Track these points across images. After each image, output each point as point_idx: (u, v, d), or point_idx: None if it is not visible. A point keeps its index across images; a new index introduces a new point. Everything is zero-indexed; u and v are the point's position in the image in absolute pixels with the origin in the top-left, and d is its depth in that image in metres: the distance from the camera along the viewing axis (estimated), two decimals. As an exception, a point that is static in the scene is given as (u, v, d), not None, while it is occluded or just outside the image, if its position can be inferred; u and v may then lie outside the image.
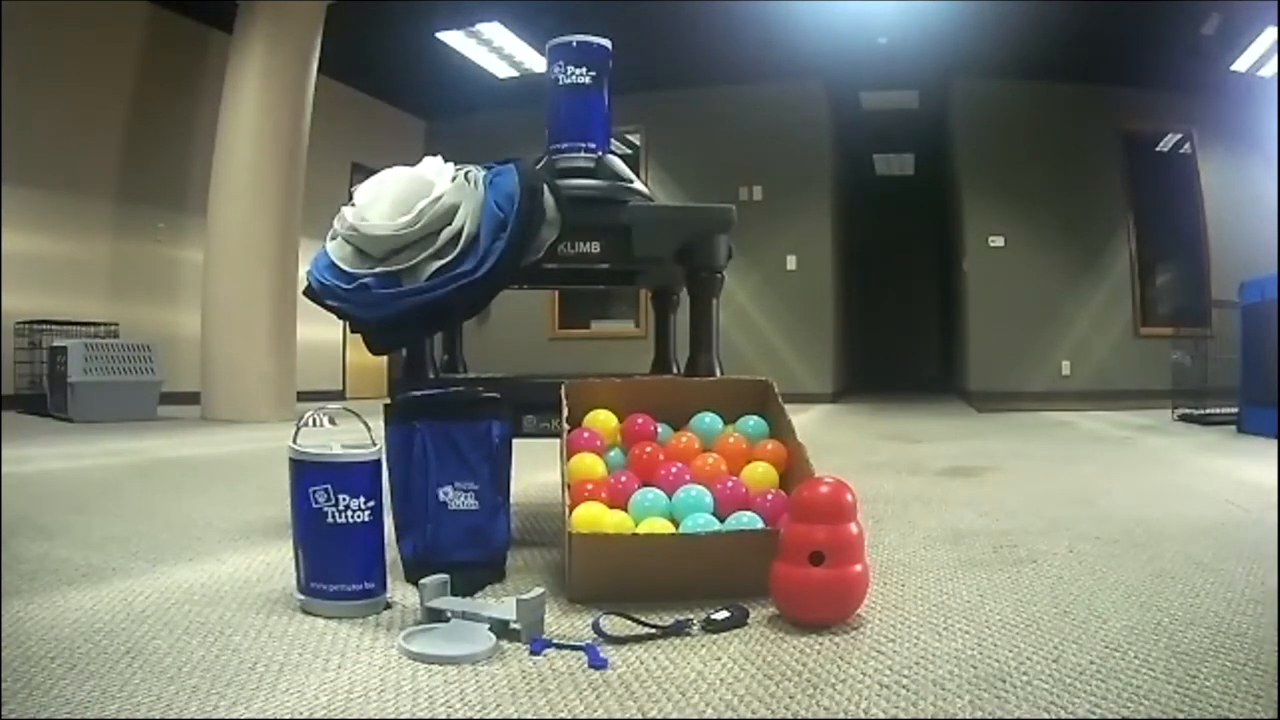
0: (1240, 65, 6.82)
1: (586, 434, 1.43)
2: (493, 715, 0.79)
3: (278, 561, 1.42)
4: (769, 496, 1.31)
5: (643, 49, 6.70)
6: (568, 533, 1.17)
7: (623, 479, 1.36)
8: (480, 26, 6.76)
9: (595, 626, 1.03)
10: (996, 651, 0.97)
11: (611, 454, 1.45)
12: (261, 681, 0.87)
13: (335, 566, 1.12)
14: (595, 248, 1.61)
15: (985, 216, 7.76)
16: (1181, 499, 2.17)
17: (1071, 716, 0.78)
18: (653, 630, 1.03)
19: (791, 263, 8.01)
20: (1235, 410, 4.40)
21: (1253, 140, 7.31)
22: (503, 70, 7.59)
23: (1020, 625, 1.07)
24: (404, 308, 1.36)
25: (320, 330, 6.68)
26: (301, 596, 1.14)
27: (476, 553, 1.27)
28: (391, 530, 1.26)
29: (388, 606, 1.16)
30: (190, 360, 5.60)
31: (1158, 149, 7.88)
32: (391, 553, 1.23)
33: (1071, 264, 7.60)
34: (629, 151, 8.37)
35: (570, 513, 1.24)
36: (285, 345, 5.38)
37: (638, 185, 1.68)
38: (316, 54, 5.56)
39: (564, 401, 1.44)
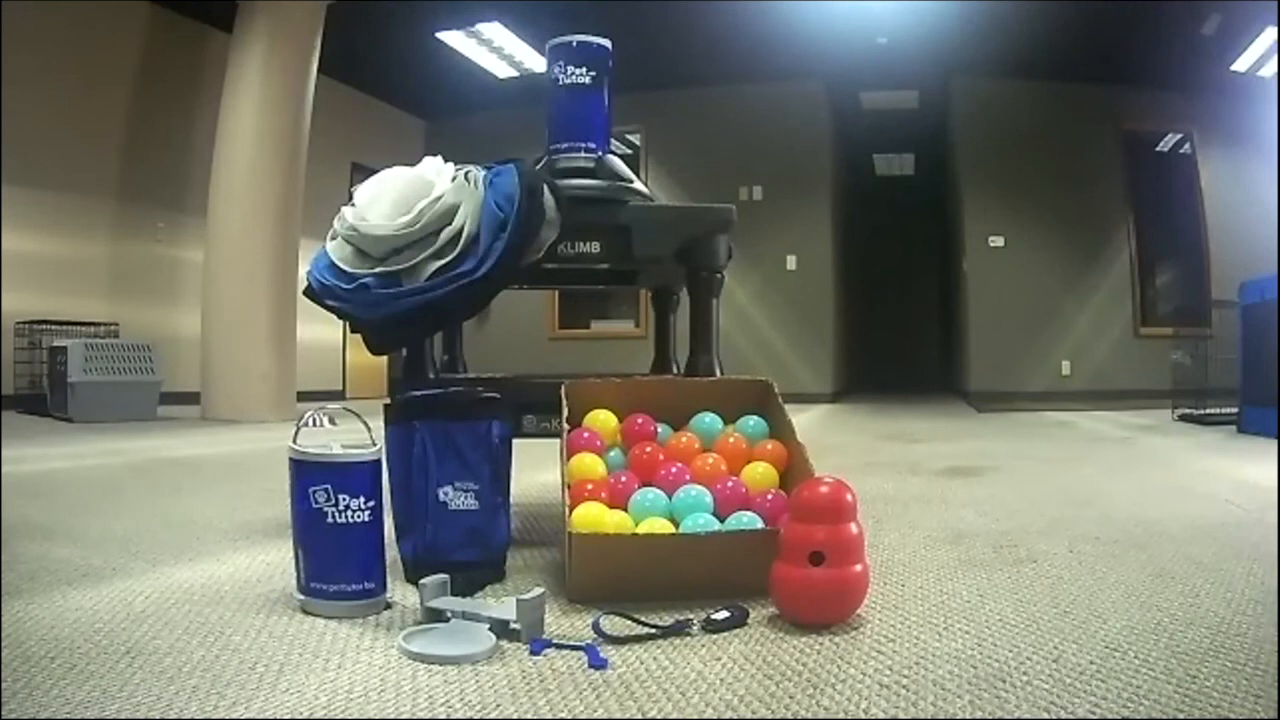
0: (1240, 65, 6.82)
1: (586, 434, 1.43)
2: (493, 715, 0.79)
3: (278, 561, 1.42)
4: (769, 496, 1.31)
5: (643, 49, 6.70)
6: (568, 533, 1.17)
7: (623, 479, 1.36)
8: (480, 26, 6.76)
9: (595, 626, 1.03)
10: (996, 651, 0.97)
11: (611, 454, 1.45)
12: (261, 681, 0.87)
13: (335, 566, 1.12)
14: (595, 248, 1.61)
15: (985, 216, 7.76)
16: (1181, 499, 2.17)
17: (1071, 716, 0.78)
18: (653, 630, 1.03)
19: (791, 263, 8.01)
20: (1235, 410, 4.40)
21: (1253, 140, 7.31)
22: (503, 70, 7.59)
23: (1020, 625, 1.07)
24: (404, 308, 1.36)
25: (320, 330, 6.68)
26: (301, 596, 1.14)
27: (476, 553, 1.27)
28: (391, 530, 1.26)
29: (388, 606, 1.16)
30: (190, 360, 5.60)
31: (1158, 149, 7.88)
32: (391, 553, 1.23)
33: (1071, 264, 7.60)
34: (629, 151, 8.37)
35: (570, 513, 1.24)
36: (285, 345, 5.38)
37: (638, 185, 1.68)
38: (316, 54, 5.56)
39: (564, 401, 1.44)
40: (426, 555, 1.25)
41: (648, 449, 1.42)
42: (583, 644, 0.98)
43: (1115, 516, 1.89)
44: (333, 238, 1.47)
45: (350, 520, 1.13)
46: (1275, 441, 3.44)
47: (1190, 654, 0.95)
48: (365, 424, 1.24)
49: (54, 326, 5.32)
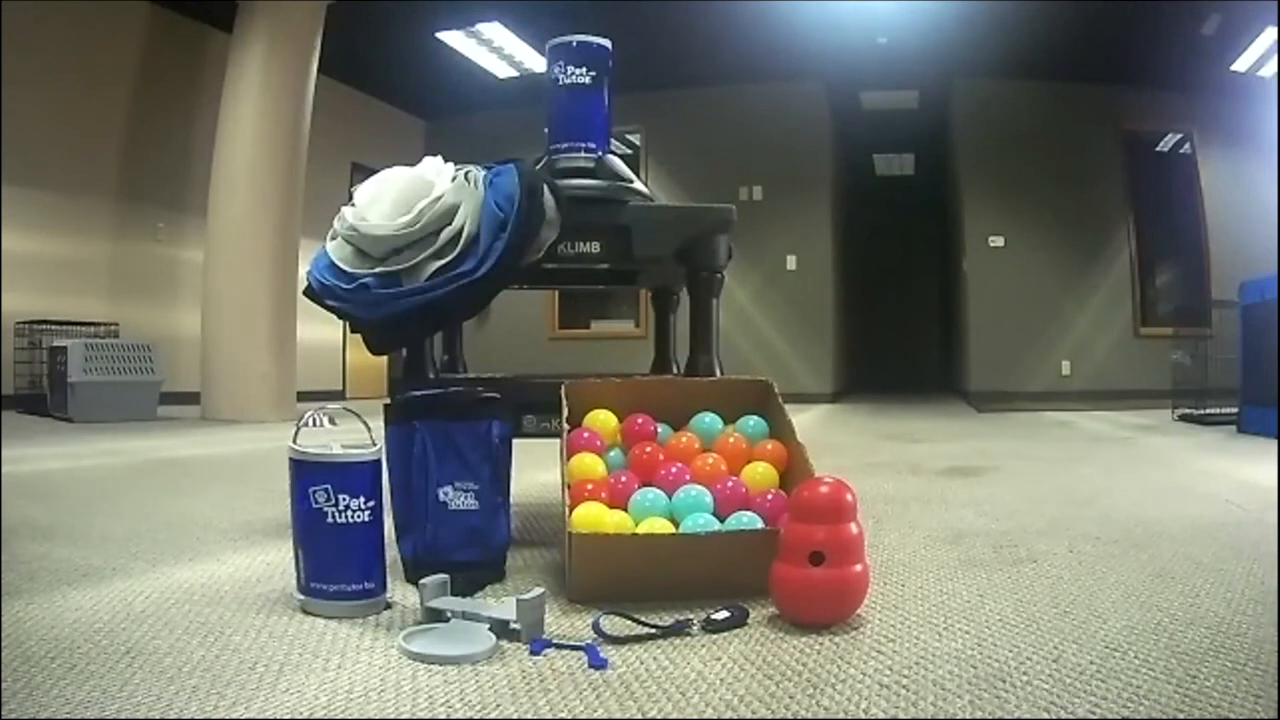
0: (1240, 65, 6.82)
1: (586, 434, 1.43)
2: (493, 715, 0.79)
3: (278, 561, 1.42)
4: (769, 496, 1.31)
5: (643, 49, 6.70)
6: (568, 533, 1.17)
7: (623, 479, 1.36)
8: (480, 26, 6.76)
9: (595, 626, 1.03)
10: (996, 651, 0.97)
11: (611, 454, 1.45)
12: (261, 681, 0.87)
13: (335, 566, 1.12)
14: (595, 248, 1.61)
15: (985, 216, 7.76)
16: (1181, 499, 2.17)
17: (1071, 716, 0.78)
18: (653, 630, 1.03)
19: (791, 263, 8.02)
20: (1235, 410, 4.40)
21: (1253, 140, 7.31)
22: (503, 70, 7.59)
23: (1020, 625, 1.07)
24: (404, 308, 1.36)
25: (320, 330, 6.68)
26: (301, 596, 1.14)
27: (476, 553, 1.27)
28: (391, 530, 1.26)
29: (388, 606, 1.16)
30: (190, 360, 5.60)
31: (1158, 149, 7.88)
32: (391, 553, 1.23)
33: (1071, 264, 7.60)
34: (629, 151, 8.37)
35: (570, 513, 1.24)
36: (285, 345, 5.38)
37: (638, 185, 1.68)
38: (316, 54, 5.56)
39: (564, 401, 1.44)
40: (426, 555, 1.25)
41: (648, 449, 1.42)
42: (583, 644, 0.98)
43: (1115, 516, 1.89)
44: (333, 238, 1.47)
45: (350, 520, 1.13)
46: (1275, 441, 3.44)
47: (1190, 654, 0.95)
48: (365, 424, 1.24)
49: (54, 326, 5.32)
